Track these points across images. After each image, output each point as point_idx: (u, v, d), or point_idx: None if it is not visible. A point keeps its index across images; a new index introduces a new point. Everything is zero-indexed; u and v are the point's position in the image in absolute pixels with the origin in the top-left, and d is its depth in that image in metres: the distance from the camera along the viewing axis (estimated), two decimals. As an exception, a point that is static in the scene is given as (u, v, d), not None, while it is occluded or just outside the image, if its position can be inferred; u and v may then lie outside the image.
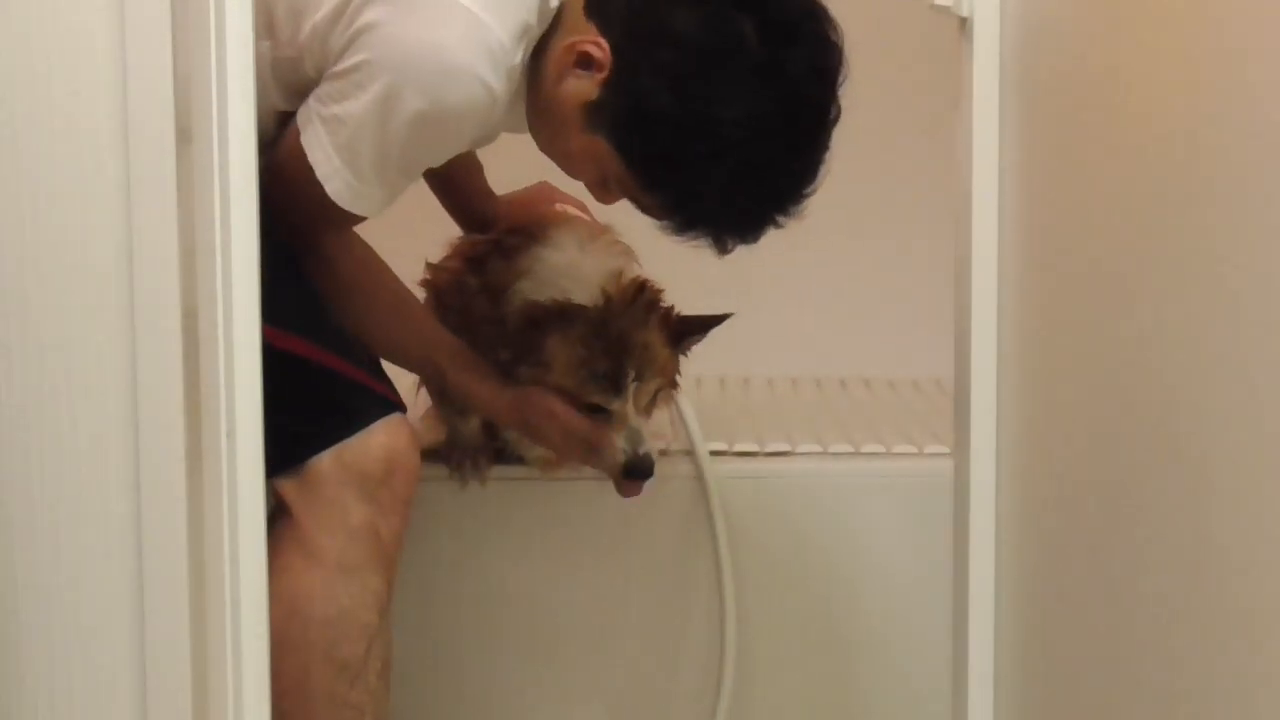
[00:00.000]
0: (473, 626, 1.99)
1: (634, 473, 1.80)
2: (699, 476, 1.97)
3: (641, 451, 1.78)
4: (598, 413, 1.79)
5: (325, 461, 1.67)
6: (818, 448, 2.04)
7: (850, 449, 2.05)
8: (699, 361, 2.49)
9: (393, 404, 1.73)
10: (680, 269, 2.37)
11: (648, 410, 1.82)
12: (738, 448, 2.03)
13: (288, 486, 1.67)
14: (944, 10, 1.60)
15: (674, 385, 1.89)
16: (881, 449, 2.05)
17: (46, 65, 1.12)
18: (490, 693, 2.00)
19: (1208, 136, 1.09)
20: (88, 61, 1.12)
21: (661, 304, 1.85)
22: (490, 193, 2.06)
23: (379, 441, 1.69)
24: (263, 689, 1.28)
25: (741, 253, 2.59)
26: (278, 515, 1.66)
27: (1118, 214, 1.27)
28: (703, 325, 1.88)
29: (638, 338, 1.80)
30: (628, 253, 1.93)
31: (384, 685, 1.72)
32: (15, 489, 1.14)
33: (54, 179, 1.12)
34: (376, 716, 1.71)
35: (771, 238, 2.55)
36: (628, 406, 1.79)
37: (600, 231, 1.95)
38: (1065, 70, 1.42)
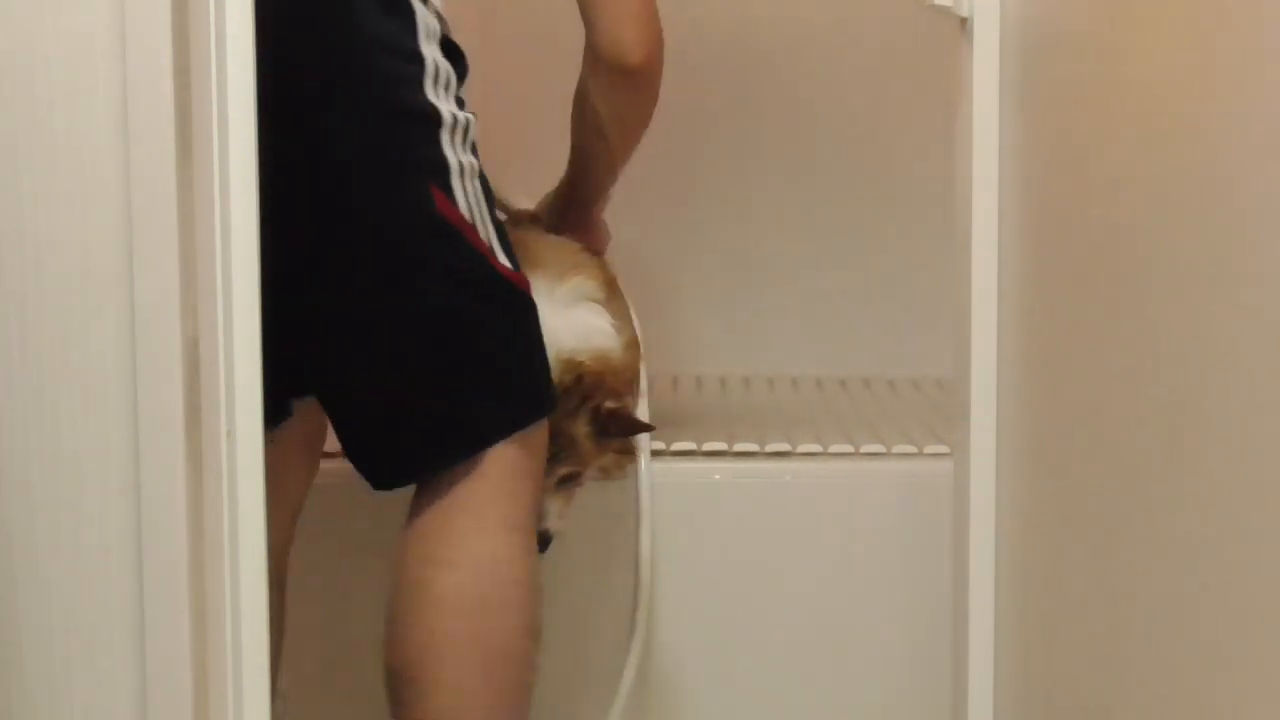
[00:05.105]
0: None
1: None
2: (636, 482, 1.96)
3: (539, 528, 1.78)
4: None
5: (531, 433, 1.71)
6: (818, 448, 2.04)
7: (850, 449, 2.05)
8: (699, 361, 2.50)
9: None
10: (681, 269, 2.38)
11: (555, 489, 1.83)
12: (737, 448, 2.03)
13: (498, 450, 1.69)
14: (944, 10, 1.60)
15: (608, 473, 1.93)
16: (881, 449, 2.05)
17: (46, 65, 1.12)
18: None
19: (1208, 135, 1.09)
20: (88, 61, 1.12)
21: (593, 399, 1.84)
22: None
23: (545, 431, 1.74)
24: (263, 689, 1.27)
25: (742, 253, 2.60)
26: (445, 479, 1.67)
27: (1118, 213, 1.27)
28: (629, 428, 1.90)
29: (564, 428, 1.81)
30: (598, 293, 1.92)
31: None
32: (15, 489, 1.14)
33: (54, 179, 1.12)
34: None
35: (772, 238, 2.56)
36: None
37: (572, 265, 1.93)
38: (1065, 70, 1.42)
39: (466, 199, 1.67)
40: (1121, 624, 1.27)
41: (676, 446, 2.02)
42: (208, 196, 1.19)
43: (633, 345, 1.93)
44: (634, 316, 1.97)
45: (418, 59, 1.66)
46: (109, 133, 1.12)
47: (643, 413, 1.95)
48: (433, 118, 1.65)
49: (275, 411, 1.71)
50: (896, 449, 2.04)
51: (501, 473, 1.68)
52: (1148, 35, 1.20)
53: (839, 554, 2.00)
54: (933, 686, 1.86)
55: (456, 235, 1.66)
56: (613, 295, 1.94)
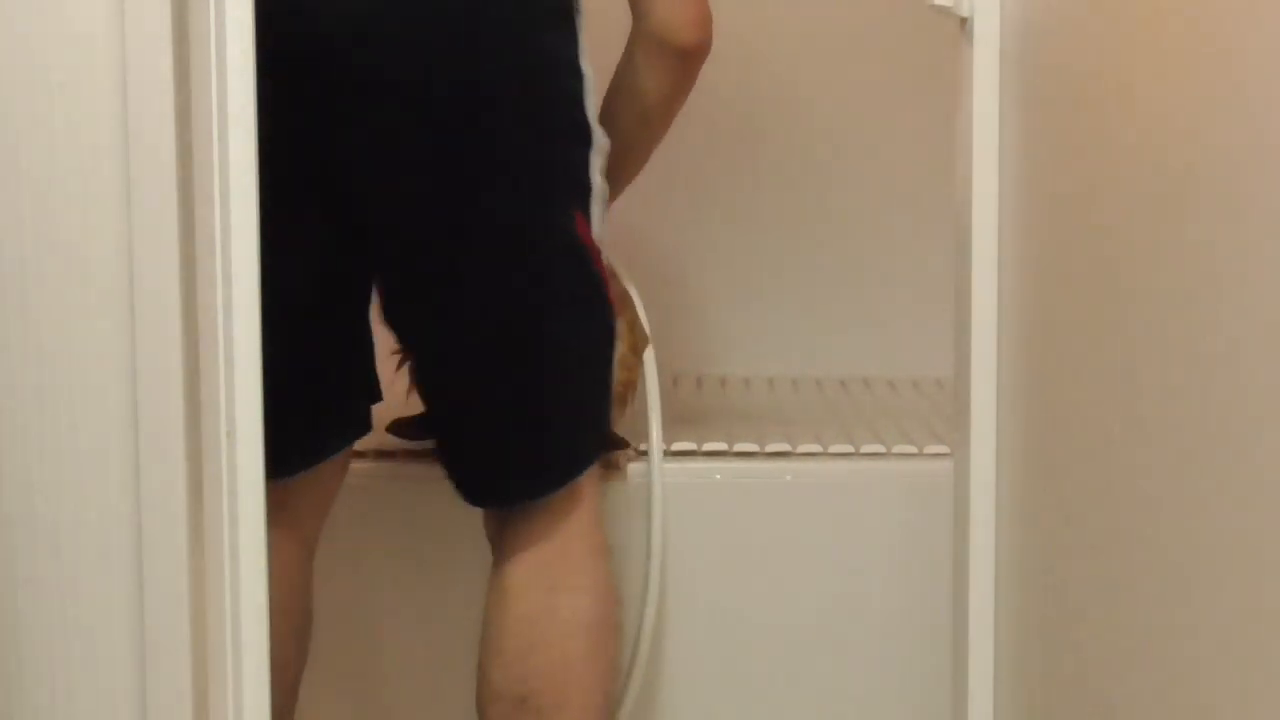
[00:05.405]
0: (468, 623, 1.99)
1: None
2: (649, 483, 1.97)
3: None
4: None
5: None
6: (818, 448, 2.04)
7: (850, 449, 2.05)
8: (699, 361, 2.50)
9: None
10: (682, 270, 2.37)
11: None
12: (738, 448, 2.03)
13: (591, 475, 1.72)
14: (944, 10, 1.59)
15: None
16: (881, 449, 2.05)
17: (46, 66, 1.12)
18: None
19: (1208, 136, 1.09)
20: (88, 62, 1.12)
21: None
22: None
23: None
24: (263, 688, 1.27)
25: (743, 253, 2.60)
26: (550, 503, 1.69)
27: (1118, 214, 1.27)
28: (610, 444, 1.91)
29: None
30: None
31: None
32: (15, 489, 1.14)
33: (54, 179, 1.12)
34: None
35: (772, 238, 2.56)
36: None
37: None
38: (1065, 70, 1.42)
39: (599, 224, 1.67)
40: (1121, 624, 1.27)
41: (677, 446, 2.02)
42: (208, 196, 1.19)
43: (627, 359, 1.92)
44: (645, 325, 1.97)
45: (578, 73, 1.63)
46: (109, 133, 1.12)
47: (655, 419, 1.95)
48: (589, 138, 1.63)
49: (360, 424, 1.72)
50: (896, 449, 2.04)
51: (592, 493, 1.71)
52: (1148, 35, 1.20)
53: (839, 554, 2.00)
54: (933, 686, 1.86)
55: (589, 263, 1.65)
56: None
